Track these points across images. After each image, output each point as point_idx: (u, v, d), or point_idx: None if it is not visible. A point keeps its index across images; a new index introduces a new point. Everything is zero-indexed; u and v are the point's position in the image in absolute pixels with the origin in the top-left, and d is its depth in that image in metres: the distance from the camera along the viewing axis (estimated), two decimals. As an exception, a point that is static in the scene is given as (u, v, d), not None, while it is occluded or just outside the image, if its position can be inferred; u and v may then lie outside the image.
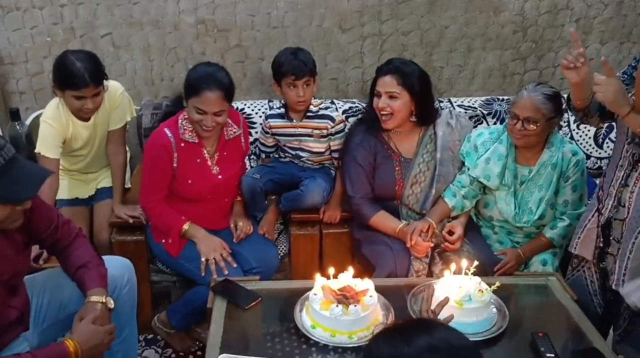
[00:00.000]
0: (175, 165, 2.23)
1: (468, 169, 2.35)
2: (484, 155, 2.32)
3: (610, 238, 1.96)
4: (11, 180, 1.47)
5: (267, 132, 2.56)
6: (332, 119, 2.47)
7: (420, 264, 2.22)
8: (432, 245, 2.24)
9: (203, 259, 2.22)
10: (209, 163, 2.30)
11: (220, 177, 2.32)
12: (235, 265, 2.24)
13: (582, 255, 2.08)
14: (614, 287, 1.91)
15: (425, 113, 2.34)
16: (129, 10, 2.74)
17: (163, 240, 2.31)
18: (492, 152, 2.31)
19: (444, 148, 2.37)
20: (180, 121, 2.24)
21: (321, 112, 2.48)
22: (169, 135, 2.21)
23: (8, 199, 1.50)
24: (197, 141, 2.25)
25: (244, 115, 2.73)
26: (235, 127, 2.34)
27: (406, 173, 2.37)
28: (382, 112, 2.28)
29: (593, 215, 2.02)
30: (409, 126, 2.37)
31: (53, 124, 2.29)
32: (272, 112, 2.58)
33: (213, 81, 2.11)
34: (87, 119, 2.37)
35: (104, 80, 2.28)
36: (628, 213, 1.87)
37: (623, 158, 1.88)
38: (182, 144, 2.23)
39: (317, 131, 2.47)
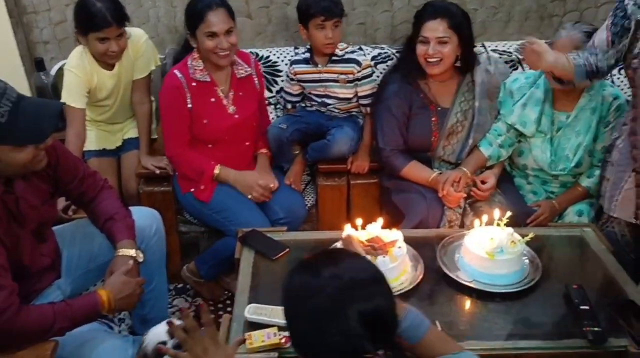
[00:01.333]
0: (190, 105, 2.23)
1: (504, 116, 2.26)
2: (519, 100, 2.23)
3: None
4: (26, 120, 1.45)
5: (292, 79, 2.50)
6: (358, 62, 2.39)
7: (453, 214, 2.18)
8: (464, 195, 2.18)
9: (250, 197, 2.28)
10: (224, 102, 2.29)
11: (237, 116, 2.31)
12: (277, 184, 2.33)
13: (622, 218, 2.01)
14: None
15: (468, 58, 2.24)
16: (150, -46, 2.66)
17: (192, 189, 2.31)
18: (529, 98, 2.21)
19: (483, 96, 2.27)
20: (189, 62, 2.24)
21: (347, 56, 2.40)
22: (179, 76, 2.22)
23: (28, 140, 1.48)
24: (209, 80, 2.25)
25: (269, 63, 2.67)
26: (245, 65, 2.34)
27: (443, 123, 2.29)
28: (429, 60, 2.18)
29: (629, 175, 1.94)
30: (450, 73, 2.28)
31: (77, 73, 2.27)
32: (297, 57, 2.51)
33: (212, 1, 2.14)
34: (112, 65, 2.34)
35: (126, 22, 2.25)
36: None
37: None
38: (194, 84, 2.23)
39: (342, 76, 2.40)
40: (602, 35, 1.89)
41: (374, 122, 2.41)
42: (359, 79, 2.41)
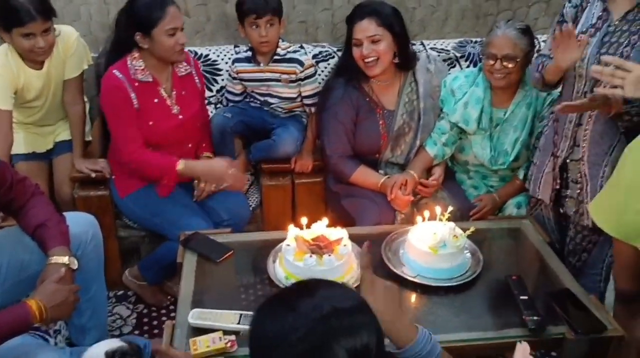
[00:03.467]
0: (136, 106, 2.13)
1: (447, 115, 2.30)
2: (461, 99, 2.27)
3: (569, 180, 2.02)
4: None
5: (234, 78, 2.45)
6: (300, 63, 2.37)
7: (405, 218, 2.18)
8: (412, 198, 2.20)
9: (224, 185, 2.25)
10: (168, 102, 2.21)
11: (180, 117, 2.23)
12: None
13: (543, 198, 2.12)
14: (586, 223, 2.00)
15: (406, 55, 2.25)
16: (80, -52, 2.55)
17: (140, 187, 2.23)
18: (470, 96, 2.26)
19: (426, 96, 2.30)
20: (129, 62, 2.14)
21: (289, 55, 2.38)
22: (119, 76, 2.11)
23: None
24: (151, 80, 2.16)
25: (209, 62, 2.62)
26: (185, 64, 2.27)
27: (390, 126, 2.29)
28: (366, 60, 2.17)
29: (549, 159, 2.06)
30: (391, 73, 2.28)
31: (2, 72, 2.14)
32: (239, 56, 2.48)
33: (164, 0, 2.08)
34: (40, 64, 2.22)
35: (53, 15, 2.13)
36: (583, 153, 1.92)
37: (575, 99, 1.89)
38: (136, 84, 2.13)
39: (285, 76, 2.38)
40: (548, 41, 2.00)
41: (319, 129, 2.38)
42: (301, 79, 2.39)
